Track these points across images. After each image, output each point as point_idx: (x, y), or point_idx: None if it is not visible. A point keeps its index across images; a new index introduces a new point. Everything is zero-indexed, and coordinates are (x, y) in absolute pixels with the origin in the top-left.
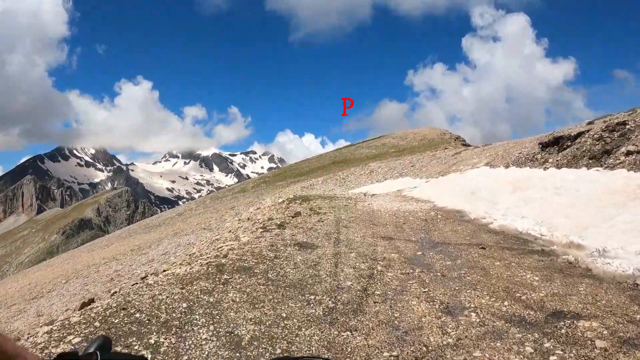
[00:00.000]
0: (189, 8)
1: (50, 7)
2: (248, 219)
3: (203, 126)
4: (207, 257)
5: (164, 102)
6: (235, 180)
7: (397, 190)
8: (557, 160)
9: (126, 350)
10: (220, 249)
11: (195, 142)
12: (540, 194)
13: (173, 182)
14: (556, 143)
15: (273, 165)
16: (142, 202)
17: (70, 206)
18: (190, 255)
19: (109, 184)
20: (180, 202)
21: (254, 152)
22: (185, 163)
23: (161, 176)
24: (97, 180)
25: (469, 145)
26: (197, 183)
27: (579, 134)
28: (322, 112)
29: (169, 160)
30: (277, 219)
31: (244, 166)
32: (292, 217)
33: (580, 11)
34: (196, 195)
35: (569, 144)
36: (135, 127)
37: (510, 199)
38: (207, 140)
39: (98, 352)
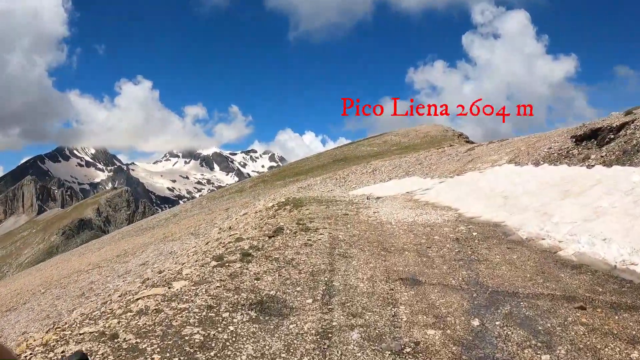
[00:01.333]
0: (188, 7)
1: (49, 6)
2: (229, 227)
3: (204, 125)
4: (90, 332)
5: (164, 101)
6: (236, 179)
7: (406, 192)
8: (601, 157)
9: None
10: (127, 306)
11: (196, 141)
12: (608, 202)
13: (174, 181)
14: (593, 136)
15: (274, 163)
16: (142, 202)
17: (71, 206)
18: (105, 307)
19: (110, 184)
20: (181, 202)
21: (255, 151)
22: (185, 162)
23: (162, 176)
24: (97, 180)
25: (472, 142)
26: (198, 182)
27: (623, 125)
28: (323, 110)
29: (170, 160)
30: (248, 239)
31: (244, 165)
32: (270, 238)
33: (581, 7)
34: (197, 195)
35: (612, 137)
36: (135, 126)
37: (568, 209)
38: (207, 139)
39: None
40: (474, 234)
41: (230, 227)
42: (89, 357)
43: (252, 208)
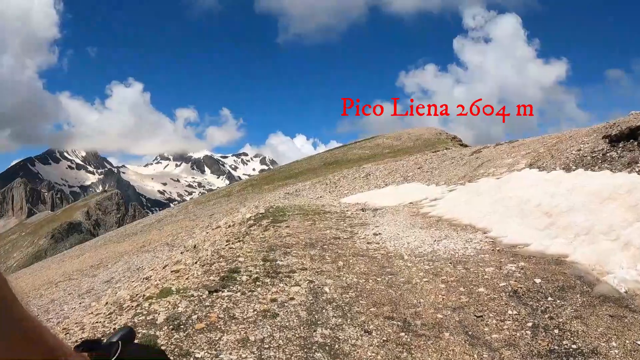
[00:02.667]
0: (179, 9)
1: (41, 8)
2: (194, 247)
3: (195, 128)
4: None
5: (155, 104)
6: (227, 182)
7: (409, 202)
8: None
9: None
10: None
11: (187, 144)
12: None
13: (164, 184)
14: (632, 136)
15: (265, 167)
16: (132, 205)
17: (60, 209)
18: None
19: (100, 187)
20: (171, 205)
21: (246, 154)
22: (176, 165)
23: (152, 178)
24: (88, 183)
25: (466, 146)
26: (189, 185)
27: None
28: (314, 113)
29: (161, 163)
30: (175, 293)
31: (235, 168)
32: (211, 293)
33: (573, 11)
34: (188, 198)
35: None
36: (126, 129)
37: None
38: (199, 142)
39: (120, 342)
40: (537, 281)
41: (195, 247)
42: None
43: (230, 217)
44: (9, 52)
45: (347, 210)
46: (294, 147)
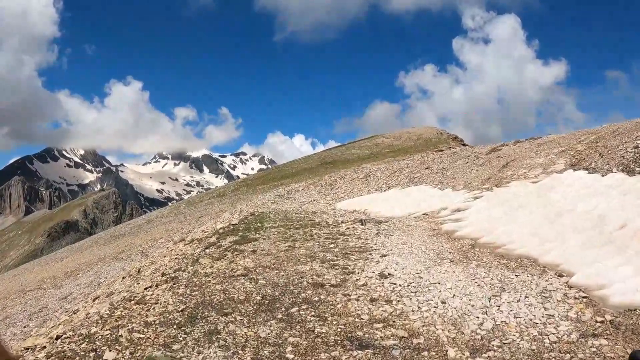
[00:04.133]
0: (177, 8)
1: (40, 7)
2: (138, 271)
3: (194, 127)
4: None
5: (154, 102)
6: (226, 181)
7: (423, 214)
8: None
9: None
10: None
11: (186, 143)
12: None
13: (163, 183)
14: None
15: (263, 166)
16: (130, 204)
17: (57, 208)
18: None
19: (99, 185)
20: (169, 204)
21: (245, 154)
22: (175, 164)
23: (151, 177)
24: (86, 181)
25: (466, 145)
26: (187, 184)
27: None
28: (312, 113)
29: (159, 162)
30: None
31: (234, 167)
32: None
33: (572, 12)
34: (186, 197)
35: None
36: (125, 128)
37: None
38: (197, 141)
39: None
40: None
41: (139, 271)
42: None
43: (199, 229)
44: (7, 50)
45: (341, 222)
46: (293, 147)
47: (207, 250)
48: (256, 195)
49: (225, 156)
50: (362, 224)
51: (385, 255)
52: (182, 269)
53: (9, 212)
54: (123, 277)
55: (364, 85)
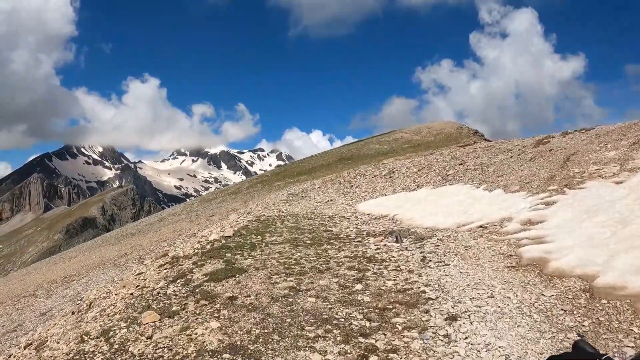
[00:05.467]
0: (192, 4)
1: (57, 6)
2: (89, 305)
3: (211, 124)
4: None
5: (171, 99)
6: (244, 177)
7: (479, 226)
8: None
9: None
10: None
11: (203, 139)
12: None
13: (181, 179)
14: None
15: (281, 162)
16: (147, 200)
17: (76, 205)
18: None
19: (117, 182)
20: (187, 200)
21: (262, 150)
22: (193, 161)
23: (169, 174)
24: (105, 178)
25: (488, 140)
26: (205, 181)
27: None
28: (329, 108)
29: (177, 158)
30: None
31: (252, 164)
32: None
33: (590, 5)
34: (204, 193)
35: None
36: (143, 124)
37: None
38: (215, 137)
39: None
40: None
41: (89, 305)
42: None
43: (201, 232)
44: (26, 49)
45: (367, 234)
46: (310, 143)
47: (170, 289)
48: (270, 194)
49: (242, 152)
50: (396, 241)
51: (455, 319)
52: (112, 331)
53: (29, 209)
54: (72, 312)
55: (380, 81)
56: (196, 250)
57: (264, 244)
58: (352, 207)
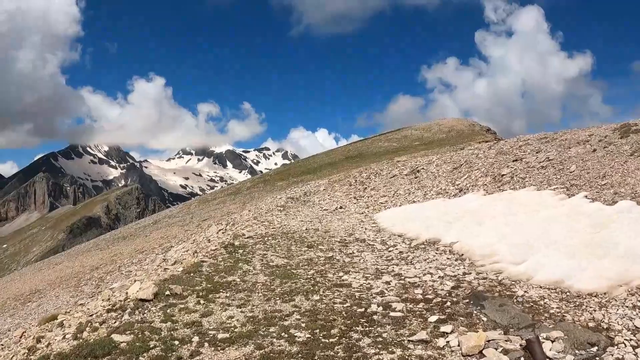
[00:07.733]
0: (196, 4)
1: (62, 6)
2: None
3: (217, 123)
4: None
5: (177, 99)
6: (249, 176)
7: None
8: None
9: None
10: None
11: (209, 138)
12: None
13: (187, 178)
14: None
15: (287, 161)
16: (152, 200)
17: (81, 204)
18: None
19: (123, 181)
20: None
21: (268, 149)
22: (198, 160)
23: (175, 173)
24: (110, 177)
25: (500, 138)
26: (211, 180)
27: None
28: (334, 107)
29: (183, 157)
30: None
31: (257, 163)
32: None
33: (597, 3)
34: (209, 192)
35: None
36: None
37: None
38: (220, 136)
39: None
40: None
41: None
42: None
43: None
44: (32, 49)
45: (422, 298)
46: (316, 142)
47: None
48: (269, 195)
49: (248, 151)
50: (532, 353)
51: None
52: None
53: (34, 208)
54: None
55: (385, 79)
56: (159, 281)
57: (196, 337)
58: (370, 220)
